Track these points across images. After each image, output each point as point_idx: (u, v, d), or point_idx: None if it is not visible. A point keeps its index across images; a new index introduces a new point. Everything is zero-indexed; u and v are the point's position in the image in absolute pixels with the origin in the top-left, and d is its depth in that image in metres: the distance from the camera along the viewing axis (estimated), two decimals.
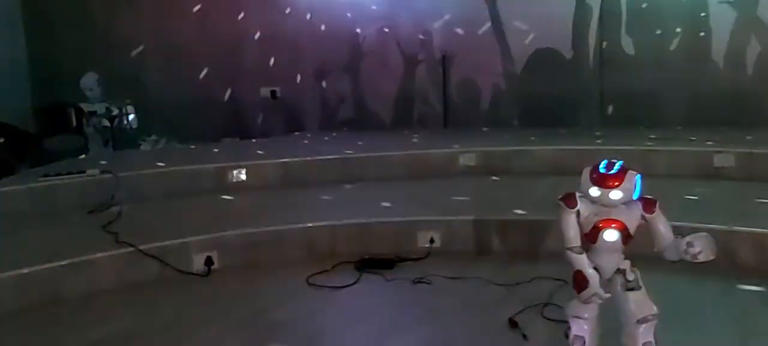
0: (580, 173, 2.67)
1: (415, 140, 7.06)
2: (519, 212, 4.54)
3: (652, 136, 6.42)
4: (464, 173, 6.03)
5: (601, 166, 2.64)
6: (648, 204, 2.63)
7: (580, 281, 2.57)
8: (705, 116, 7.28)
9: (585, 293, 2.56)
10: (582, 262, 2.59)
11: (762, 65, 7.27)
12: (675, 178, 5.42)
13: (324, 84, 8.67)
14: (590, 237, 2.64)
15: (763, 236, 3.89)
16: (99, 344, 3.15)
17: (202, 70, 8.48)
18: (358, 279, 3.92)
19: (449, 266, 4.02)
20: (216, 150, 6.83)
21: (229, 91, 8.58)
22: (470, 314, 3.39)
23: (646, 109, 7.58)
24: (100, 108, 7.84)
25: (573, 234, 2.63)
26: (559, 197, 2.68)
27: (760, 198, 4.77)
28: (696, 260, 2.56)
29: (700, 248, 2.55)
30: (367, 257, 4.16)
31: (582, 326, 2.67)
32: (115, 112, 7.83)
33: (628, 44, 7.76)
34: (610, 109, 7.69)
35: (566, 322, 2.73)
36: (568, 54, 7.93)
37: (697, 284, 3.47)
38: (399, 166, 6.08)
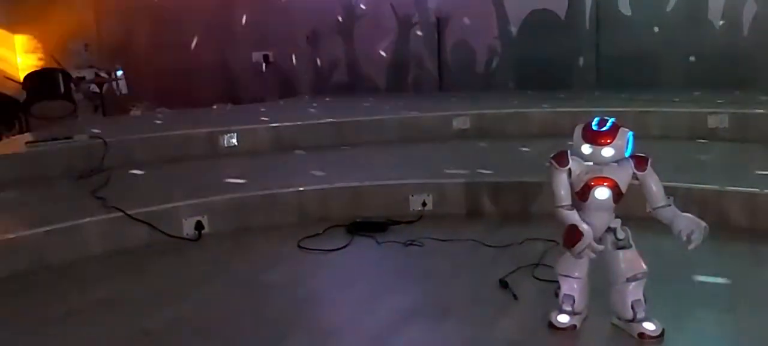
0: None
1: (409, 104, 7.00)
2: (512, 174, 4.52)
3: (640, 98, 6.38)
4: (458, 136, 6.00)
5: (594, 123, 2.62)
6: (639, 162, 2.60)
7: (572, 235, 2.53)
8: (701, 77, 7.24)
9: (578, 247, 2.52)
10: (573, 217, 2.57)
11: (758, 25, 7.22)
12: (669, 139, 5.40)
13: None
14: (581, 195, 2.61)
15: (755, 196, 3.86)
16: (87, 309, 3.13)
17: (192, 35, 8.41)
18: (350, 242, 3.90)
19: (441, 229, 4.00)
20: (207, 115, 6.78)
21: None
22: (461, 275, 3.38)
23: (642, 70, 7.53)
24: (89, 73, 7.76)
25: (564, 193, 2.61)
26: (551, 156, 2.65)
27: (753, 159, 4.75)
28: (687, 244, 2.56)
29: (696, 240, 2.55)
30: (358, 220, 4.13)
31: (572, 286, 2.66)
32: (105, 77, 7.74)
33: (624, 5, 7.69)
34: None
35: (556, 281, 2.71)
36: (564, 15, 7.86)
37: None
38: (392, 129, 6.05)
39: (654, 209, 2.64)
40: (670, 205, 2.63)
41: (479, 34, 8.16)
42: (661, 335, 2.56)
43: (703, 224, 2.55)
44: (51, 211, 4.00)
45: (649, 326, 2.57)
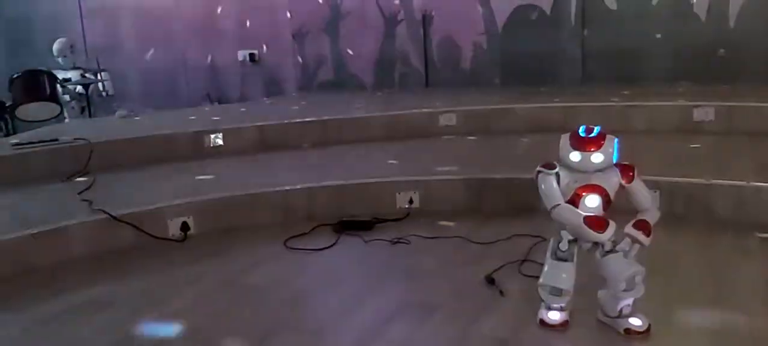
0: (560, 133, 2.63)
1: (395, 101, 7.00)
2: (499, 170, 4.52)
3: (626, 93, 6.42)
4: (445, 132, 6.01)
5: (580, 130, 2.59)
6: (625, 172, 2.57)
7: (599, 223, 2.49)
8: (687, 70, 7.27)
9: (609, 231, 2.49)
10: (578, 211, 2.53)
11: (744, 18, 7.25)
12: (655, 133, 5.42)
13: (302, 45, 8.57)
14: (572, 204, 2.59)
15: (741, 189, 3.87)
16: (73, 311, 3.10)
17: (178, 34, 8.37)
18: (336, 241, 3.89)
19: (428, 226, 4.00)
20: (193, 116, 6.75)
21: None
22: (448, 272, 3.37)
23: (628, 65, 7.55)
24: (74, 75, 7.71)
25: (557, 194, 2.58)
26: (538, 166, 2.63)
27: (738, 152, 4.78)
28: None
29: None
30: (345, 219, 4.12)
31: (558, 300, 2.65)
32: (91, 78, 7.69)
33: None
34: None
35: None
36: (550, 11, 7.87)
37: (674, 239, 3.47)
38: (379, 127, 6.04)
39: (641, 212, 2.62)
40: (655, 213, 2.61)
41: (465, 31, 8.17)
42: (648, 330, 2.56)
43: (640, 237, 2.53)
44: (36, 213, 3.98)
45: (635, 322, 2.56)
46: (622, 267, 2.57)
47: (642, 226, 2.53)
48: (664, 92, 6.35)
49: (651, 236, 2.54)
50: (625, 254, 2.55)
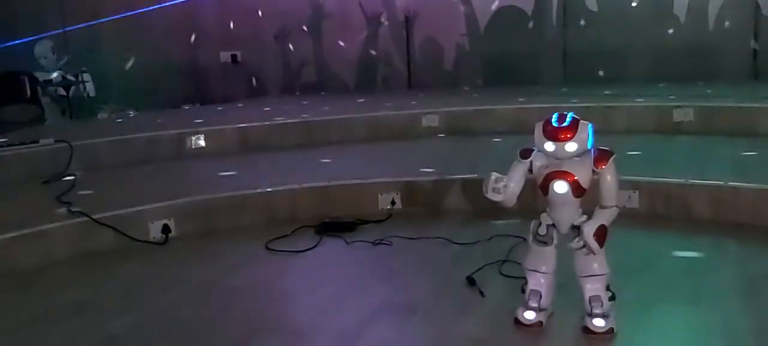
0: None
1: (378, 102, 7.00)
2: (481, 171, 4.53)
3: (607, 93, 6.47)
4: (427, 133, 6.02)
5: (553, 119, 2.59)
6: (599, 157, 2.57)
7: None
8: (667, 71, 7.33)
9: (484, 190, 2.62)
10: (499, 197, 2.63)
11: (723, 19, 7.32)
12: (635, 133, 5.46)
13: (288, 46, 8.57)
14: (543, 189, 2.60)
15: (719, 189, 3.91)
16: (53, 315, 3.08)
17: (159, 35, 8.33)
18: (318, 243, 3.89)
19: (410, 227, 4.00)
20: (175, 117, 6.72)
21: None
22: (429, 273, 3.38)
23: (608, 65, 7.60)
24: (56, 77, 7.66)
25: (513, 184, 2.63)
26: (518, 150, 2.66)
27: (717, 152, 4.82)
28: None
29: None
30: (327, 220, 4.12)
31: (539, 280, 2.67)
32: (72, 80, 7.64)
33: (591, 0, 7.76)
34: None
35: (523, 277, 2.73)
36: (531, 12, 7.91)
37: (652, 238, 3.50)
38: (362, 128, 6.04)
39: (600, 207, 2.58)
40: (613, 213, 2.58)
41: (447, 32, 8.20)
42: (609, 332, 2.56)
43: (595, 247, 2.52)
44: (16, 216, 3.94)
45: (597, 323, 2.57)
46: (587, 262, 2.58)
47: (599, 233, 2.51)
48: (644, 93, 6.39)
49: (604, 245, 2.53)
50: (575, 252, 2.56)
